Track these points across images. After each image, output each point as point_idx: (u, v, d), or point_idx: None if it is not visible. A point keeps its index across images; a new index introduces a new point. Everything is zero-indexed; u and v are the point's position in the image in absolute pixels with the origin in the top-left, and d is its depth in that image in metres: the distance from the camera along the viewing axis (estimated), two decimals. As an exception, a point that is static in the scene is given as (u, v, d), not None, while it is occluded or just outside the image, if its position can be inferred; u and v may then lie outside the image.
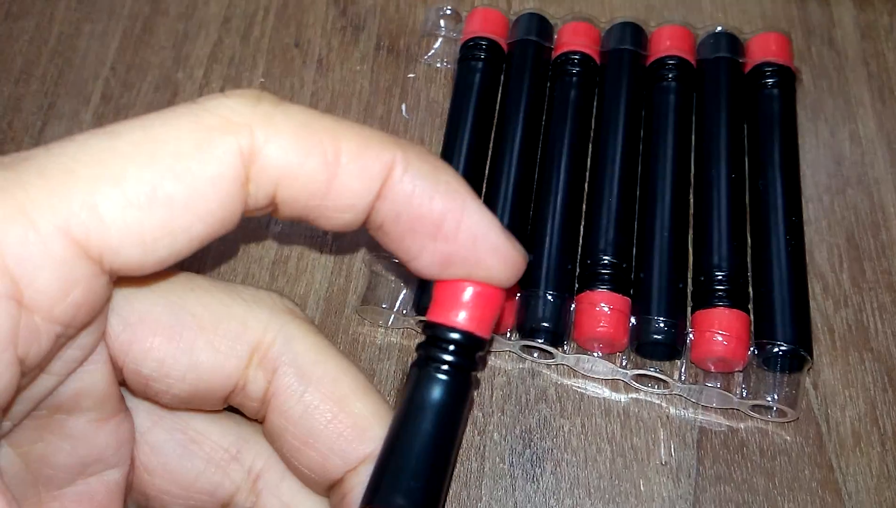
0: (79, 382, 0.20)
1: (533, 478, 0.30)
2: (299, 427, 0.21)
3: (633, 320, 0.31)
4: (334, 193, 0.19)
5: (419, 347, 0.21)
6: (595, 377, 0.31)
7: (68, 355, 0.19)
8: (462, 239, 0.20)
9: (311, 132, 0.19)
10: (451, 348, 0.20)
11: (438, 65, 0.39)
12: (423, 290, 0.31)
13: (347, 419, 0.21)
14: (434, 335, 0.21)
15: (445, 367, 0.20)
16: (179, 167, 0.18)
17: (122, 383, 0.21)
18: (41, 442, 0.21)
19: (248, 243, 0.34)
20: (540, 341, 0.30)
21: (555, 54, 0.37)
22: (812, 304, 0.32)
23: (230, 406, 0.22)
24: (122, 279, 0.19)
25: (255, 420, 0.23)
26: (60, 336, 0.18)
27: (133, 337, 0.20)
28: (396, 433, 0.20)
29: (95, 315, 0.19)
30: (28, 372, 0.18)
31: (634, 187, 0.33)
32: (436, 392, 0.20)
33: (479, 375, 0.31)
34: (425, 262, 0.20)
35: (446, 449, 0.20)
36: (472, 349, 0.21)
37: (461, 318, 0.20)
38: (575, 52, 0.36)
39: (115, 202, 0.17)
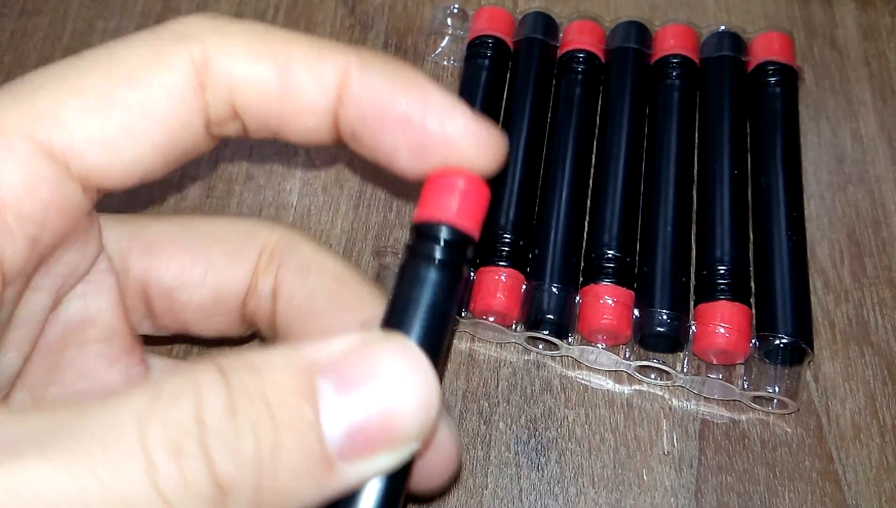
0: (82, 308, 0.21)
1: (538, 467, 0.30)
2: (303, 308, 0.23)
3: (636, 312, 0.31)
4: (290, 95, 0.20)
5: (406, 249, 0.20)
6: (599, 368, 0.32)
7: (56, 270, 0.20)
8: (431, 126, 0.20)
9: (263, 40, 0.20)
10: (440, 242, 0.20)
11: (445, 63, 0.39)
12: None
13: (348, 294, 0.22)
14: (420, 234, 0.20)
15: (436, 261, 0.20)
16: (135, 76, 0.19)
17: (150, 311, 0.23)
18: (54, 386, 0.22)
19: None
20: (545, 332, 0.31)
21: (560, 52, 0.37)
22: (813, 299, 0.32)
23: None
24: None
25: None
26: (37, 241, 0.19)
27: (153, 255, 0.23)
28: (387, 326, 0.20)
29: (72, 223, 0.20)
30: (12, 279, 0.18)
31: (638, 183, 0.34)
32: (426, 285, 0.19)
33: (482, 361, 0.31)
34: (403, 159, 0.20)
35: (438, 341, 0.19)
36: (460, 245, 0.20)
37: (446, 213, 0.20)
38: (580, 51, 0.37)
39: (74, 108, 0.19)
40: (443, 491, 0.29)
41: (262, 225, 0.24)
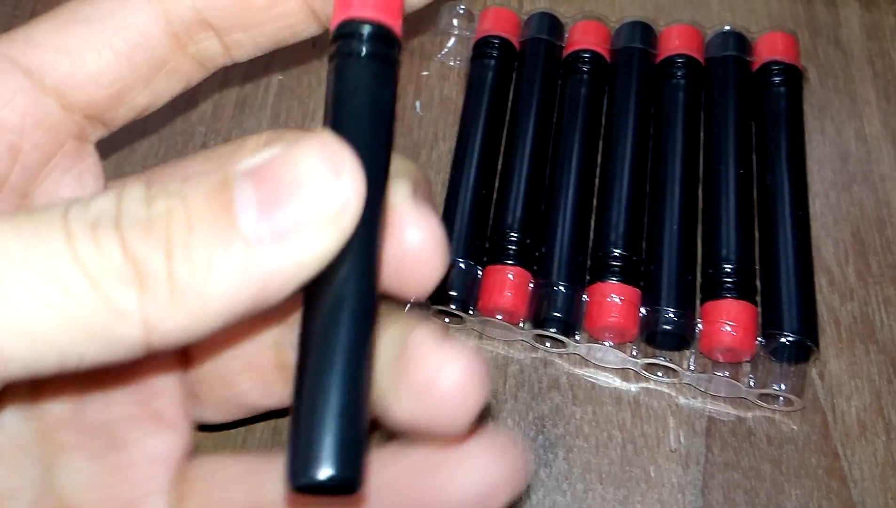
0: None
1: (546, 463, 0.30)
2: None
3: (643, 310, 0.31)
4: None
5: (330, 57, 0.19)
6: (606, 366, 0.32)
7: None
8: None
9: None
10: (362, 37, 0.19)
11: (452, 63, 0.40)
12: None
13: None
14: (341, 35, 0.19)
15: (362, 55, 0.19)
16: None
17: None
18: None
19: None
20: (552, 330, 0.31)
21: (566, 53, 0.38)
22: (818, 297, 0.33)
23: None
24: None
25: None
26: (16, 149, 0.21)
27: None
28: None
29: (55, 139, 0.21)
30: None
31: (644, 182, 0.34)
32: (356, 82, 0.19)
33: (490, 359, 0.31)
34: None
35: (378, 138, 0.19)
36: (384, 37, 0.19)
37: (364, 10, 0.19)
38: (586, 51, 0.37)
39: (43, 29, 0.21)
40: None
41: None
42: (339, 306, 0.18)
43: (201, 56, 0.23)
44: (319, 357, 0.18)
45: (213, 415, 0.25)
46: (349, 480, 0.17)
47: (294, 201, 0.17)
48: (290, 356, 0.22)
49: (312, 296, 0.18)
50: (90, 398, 0.23)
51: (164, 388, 0.23)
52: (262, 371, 0.24)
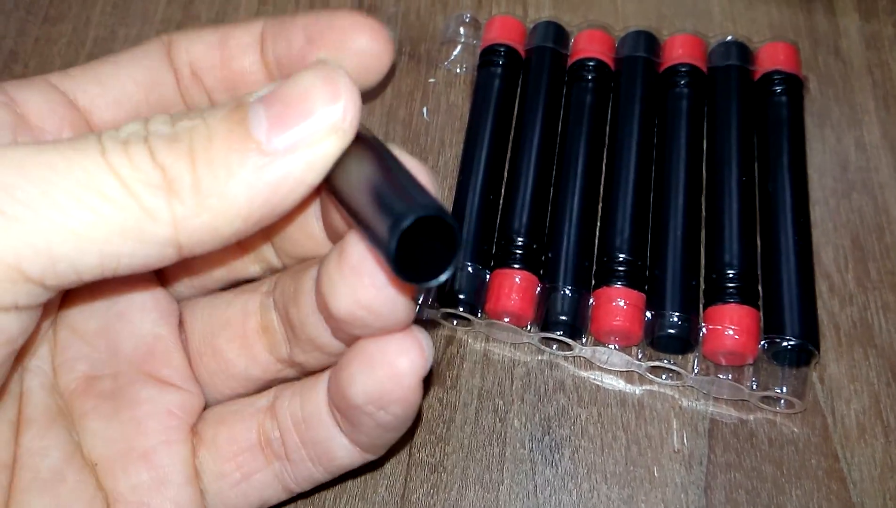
0: None
1: (552, 463, 0.31)
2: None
3: (648, 314, 0.32)
4: (229, 41, 0.25)
5: None
6: (611, 368, 0.33)
7: None
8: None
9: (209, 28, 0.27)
10: None
11: (458, 70, 0.40)
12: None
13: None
14: None
15: None
16: (128, 50, 0.27)
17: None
18: None
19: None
20: (559, 333, 0.32)
21: (571, 61, 0.38)
22: (819, 302, 0.33)
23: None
24: None
25: None
26: None
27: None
28: None
29: None
30: None
31: (648, 189, 0.35)
32: None
33: (497, 361, 0.32)
34: None
35: None
36: None
37: None
38: (590, 59, 0.38)
39: (80, 67, 0.26)
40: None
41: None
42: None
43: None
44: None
45: (211, 392, 0.27)
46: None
47: (299, 114, 0.19)
48: (274, 318, 0.25)
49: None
50: (101, 372, 0.25)
51: (168, 358, 0.26)
52: (247, 337, 0.26)
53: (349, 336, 0.23)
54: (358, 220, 0.20)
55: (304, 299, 0.24)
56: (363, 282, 0.21)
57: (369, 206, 0.19)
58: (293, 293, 0.24)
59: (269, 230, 0.25)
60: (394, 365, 0.22)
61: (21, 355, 0.24)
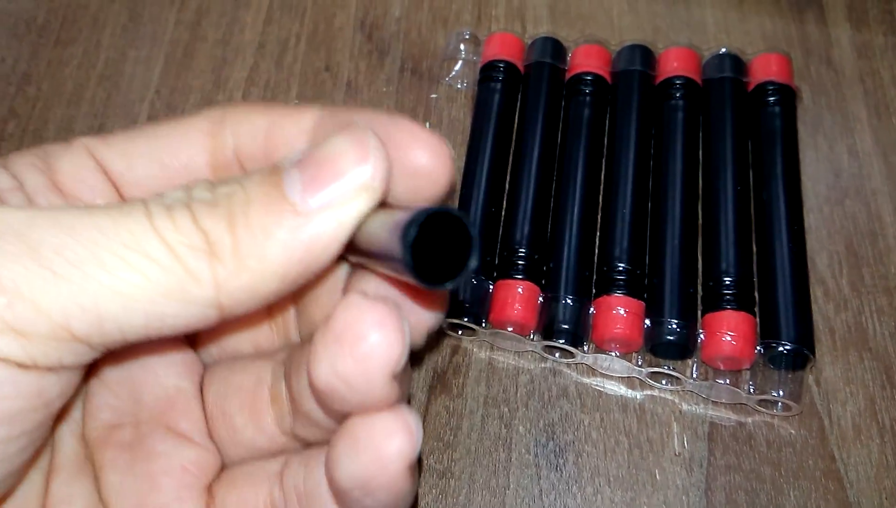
0: None
1: (556, 468, 0.32)
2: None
3: (647, 322, 0.33)
4: (277, 133, 0.25)
5: None
6: (612, 375, 0.34)
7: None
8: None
9: (261, 105, 0.26)
10: None
11: (459, 86, 0.41)
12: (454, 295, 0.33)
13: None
14: None
15: None
16: (170, 123, 0.26)
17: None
18: None
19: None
20: (561, 341, 0.33)
21: (568, 75, 0.39)
22: (814, 307, 0.34)
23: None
24: None
25: None
26: None
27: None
28: None
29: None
30: None
31: (646, 199, 0.36)
32: None
33: (502, 369, 0.33)
34: None
35: None
36: None
37: None
38: (588, 73, 0.39)
39: (119, 135, 0.26)
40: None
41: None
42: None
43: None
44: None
45: (224, 453, 0.27)
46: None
47: (331, 175, 0.20)
48: (283, 389, 0.25)
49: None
50: (122, 421, 0.25)
51: (188, 412, 0.25)
52: (257, 406, 0.26)
53: (334, 412, 0.22)
54: (374, 252, 0.21)
55: (303, 369, 0.23)
56: (342, 351, 0.20)
57: (386, 231, 0.20)
58: (296, 363, 0.24)
59: (296, 294, 0.26)
60: (379, 449, 0.21)
61: (60, 416, 0.25)
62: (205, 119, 0.26)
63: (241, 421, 0.26)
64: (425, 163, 0.23)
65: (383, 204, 0.21)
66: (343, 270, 0.25)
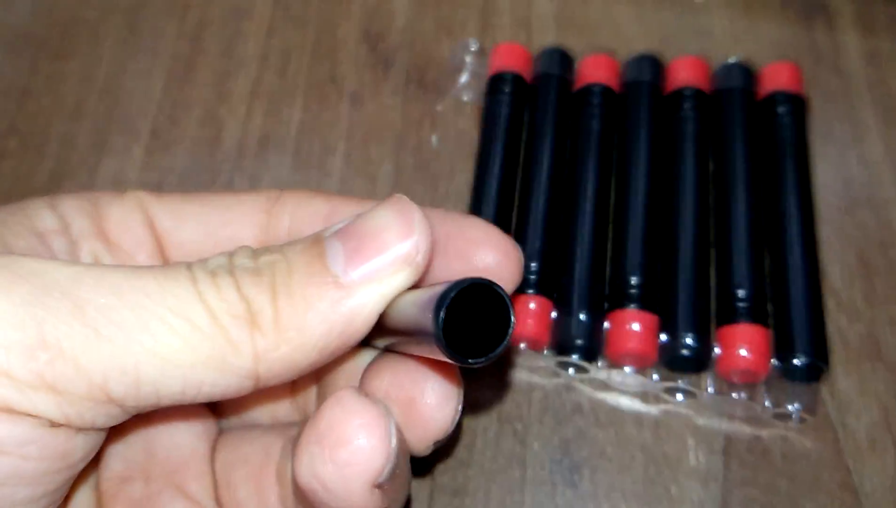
0: None
1: (572, 484, 0.32)
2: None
3: (662, 336, 0.33)
4: (338, 216, 0.25)
5: None
6: (626, 390, 0.33)
7: None
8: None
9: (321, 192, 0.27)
10: None
11: (465, 98, 0.41)
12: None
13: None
14: None
15: None
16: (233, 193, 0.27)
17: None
18: None
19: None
20: (575, 357, 0.33)
21: (577, 86, 0.39)
22: (827, 318, 0.34)
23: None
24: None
25: None
26: None
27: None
28: None
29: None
30: None
31: (658, 212, 0.36)
32: None
33: (515, 385, 0.33)
34: None
35: None
36: None
37: None
38: (596, 84, 0.38)
39: (176, 195, 0.26)
40: None
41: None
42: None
43: None
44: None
45: None
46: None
47: (374, 249, 0.20)
48: (288, 468, 0.24)
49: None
50: (133, 473, 0.25)
51: (199, 475, 0.25)
52: (261, 481, 0.25)
53: None
54: (402, 329, 0.20)
55: None
56: (323, 454, 0.20)
57: (417, 306, 0.20)
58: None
59: (319, 372, 0.25)
60: None
61: (82, 475, 0.24)
62: (263, 196, 0.26)
63: (246, 494, 0.25)
64: (495, 264, 0.23)
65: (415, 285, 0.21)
66: (367, 355, 0.25)
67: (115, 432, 0.25)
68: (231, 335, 0.19)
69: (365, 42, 0.43)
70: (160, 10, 0.44)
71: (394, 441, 0.20)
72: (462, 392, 0.23)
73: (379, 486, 0.20)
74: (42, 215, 0.24)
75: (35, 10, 0.44)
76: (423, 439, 0.23)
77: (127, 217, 0.25)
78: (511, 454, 0.32)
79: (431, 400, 0.23)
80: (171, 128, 0.40)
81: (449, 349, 0.19)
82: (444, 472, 0.32)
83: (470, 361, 0.19)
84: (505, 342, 0.19)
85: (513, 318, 0.19)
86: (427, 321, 0.19)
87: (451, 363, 0.21)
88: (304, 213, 0.26)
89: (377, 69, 0.42)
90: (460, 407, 0.23)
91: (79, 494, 0.24)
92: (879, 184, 0.38)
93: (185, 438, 0.25)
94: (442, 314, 0.18)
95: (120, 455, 0.25)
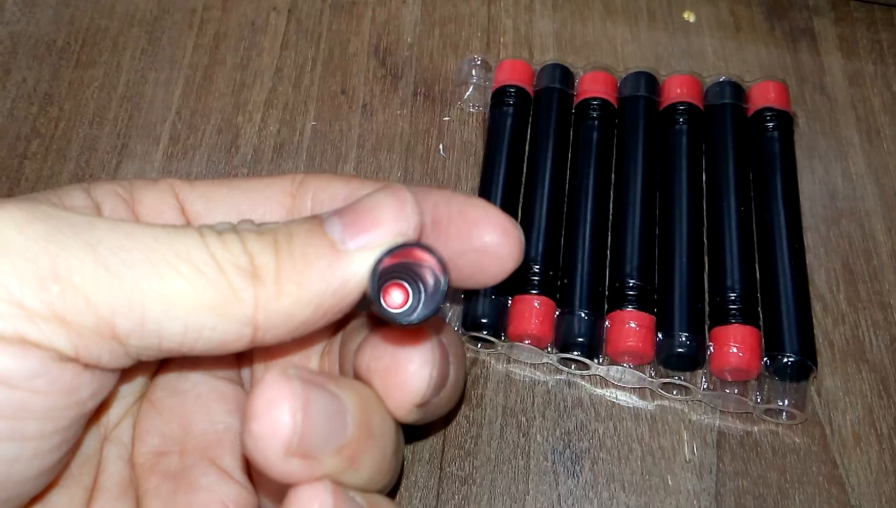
0: None
1: (573, 474, 0.33)
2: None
3: (658, 335, 0.34)
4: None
5: None
6: (625, 386, 0.35)
7: None
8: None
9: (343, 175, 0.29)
10: None
11: (471, 109, 0.43)
12: (470, 305, 0.35)
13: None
14: None
15: None
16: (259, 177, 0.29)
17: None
18: None
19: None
20: (576, 353, 0.34)
21: (577, 100, 0.41)
22: (814, 321, 0.36)
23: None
24: None
25: None
26: None
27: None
28: None
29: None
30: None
31: (654, 219, 0.37)
32: None
33: (519, 381, 0.34)
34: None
35: None
36: None
37: None
38: (595, 98, 0.40)
39: (205, 181, 0.28)
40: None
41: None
42: None
43: None
44: None
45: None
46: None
47: (371, 224, 0.22)
48: None
49: None
50: (170, 449, 0.26)
51: (233, 450, 0.26)
52: None
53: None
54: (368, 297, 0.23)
55: None
56: (245, 429, 0.21)
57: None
58: None
59: (342, 361, 0.27)
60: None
61: (95, 421, 0.26)
62: (288, 180, 0.27)
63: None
64: (494, 242, 0.25)
65: None
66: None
67: (152, 407, 0.27)
68: (234, 283, 0.21)
69: (375, 56, 0.45)
70: (178, 23, 0.46)
71: (299, 416, 0.21)
72: (438, 361, 0.24)
73: (299, 453, 0.21)
74: (74, 196, 0.25)
75: (57, 19, 0.46)
76: (403, 403, 0.24)
77: (160, 202, 0.27)
78: (515, 445, 0.34)
79: (407, 367, 0.24)
80: (189, 134, 0.42)
81: (380, 306, 0.22)
82: (451, 461, 0.33)
83: (402, 321, 0.22)
84: (437, 299, 0.22)
85: (443, 278, 0.22)
86: (371, 284, 0.22)
87: (403, 328, 0.23)
88: (324, 195, 0.27)
89: (386, 82, 0.44)
90: (435, 373, 0.24)
91: (110, 466, 0.26)
92: (862, 197, 0.40)
93: (220, 415, 0.26)
94: (376, 273, 0.22)
95: (157, 431, 0.26)
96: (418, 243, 0.22)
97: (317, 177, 0.28)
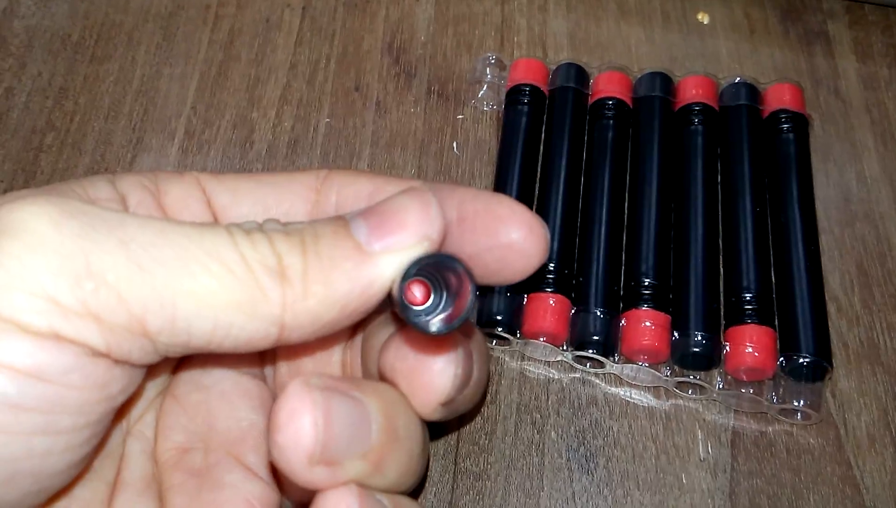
0: None
1: (588, 471, 0.33)
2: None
3: (674, 334, 0.34)
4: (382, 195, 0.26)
5: None
6: (639, 384, 0.35)
7: None
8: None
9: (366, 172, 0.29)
10: None
11: (485, 108, 0.43)
12: (485, 303, 0.35)
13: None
14: None
15: None
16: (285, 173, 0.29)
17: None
18: None
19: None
20: (592, 352, 0.34)
21: (591, 100, 0.41)
22: (828, 323, 0.36)
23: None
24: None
25: None
26: None
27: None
28: None
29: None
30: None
31: (669, 218, 0.37)
32: None
33: (534, 379, 0.34)
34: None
35: None
36: None
37: None
38: (610, 98, 0.40)
39: (231, 175, 0.28)
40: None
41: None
42: None
43: None
44: None
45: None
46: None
47: (395, 225, 0.22)
48: None
49: None
50: (194, 445, 0.26)
51: (257, 447, 0.26)
52: None
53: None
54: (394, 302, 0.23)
55: None
56: (270, 439, 0.21)
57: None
58: None
59: (364, 359, 0.27)
60: None
61: (119, 416, 0.25)
62: (312, 175, 0.27)
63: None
64: (521, 238, 0.25)
65: None
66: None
67: (176, 403, 0.26)
68: (262, 283, 0.21)
69: (388, 54, 0.45)
70: (192, 19, 0.46)
71: (321, 425, 0.21)
72: (462, 360, 0.25)
73: (324, 462, 0.21)
74: (100, 187, 0.25)
75: (72, 13, 0.46)
76: (428, 402, 0.24)
77: (186, 194, 0.27)
78: (530, 442, 0.34)
79: (432, 366, 0.24)
80: (204, 129, 0.42)
81: (410, 315, 0.22)
82: (466, 457, 0.33)
83: (431, 331, 0.22)
84: (464, 314, 0.22)
85: (472, 290, 0.22)
86: (398, 293, 0.22)
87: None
88: (349, 191, 0.27)
89: (400, 80, 0.44)
90: (460, 371, 0.24)
91: (133, 461, 0.26)
92: (877, 200, 0.40)
93: (244, 412, 0.26)
94: (403, 285, 0.22)
95: (181, 427, 0.26)
96: (448, 256, 0.22)
97: (341, 173, 0.27)
